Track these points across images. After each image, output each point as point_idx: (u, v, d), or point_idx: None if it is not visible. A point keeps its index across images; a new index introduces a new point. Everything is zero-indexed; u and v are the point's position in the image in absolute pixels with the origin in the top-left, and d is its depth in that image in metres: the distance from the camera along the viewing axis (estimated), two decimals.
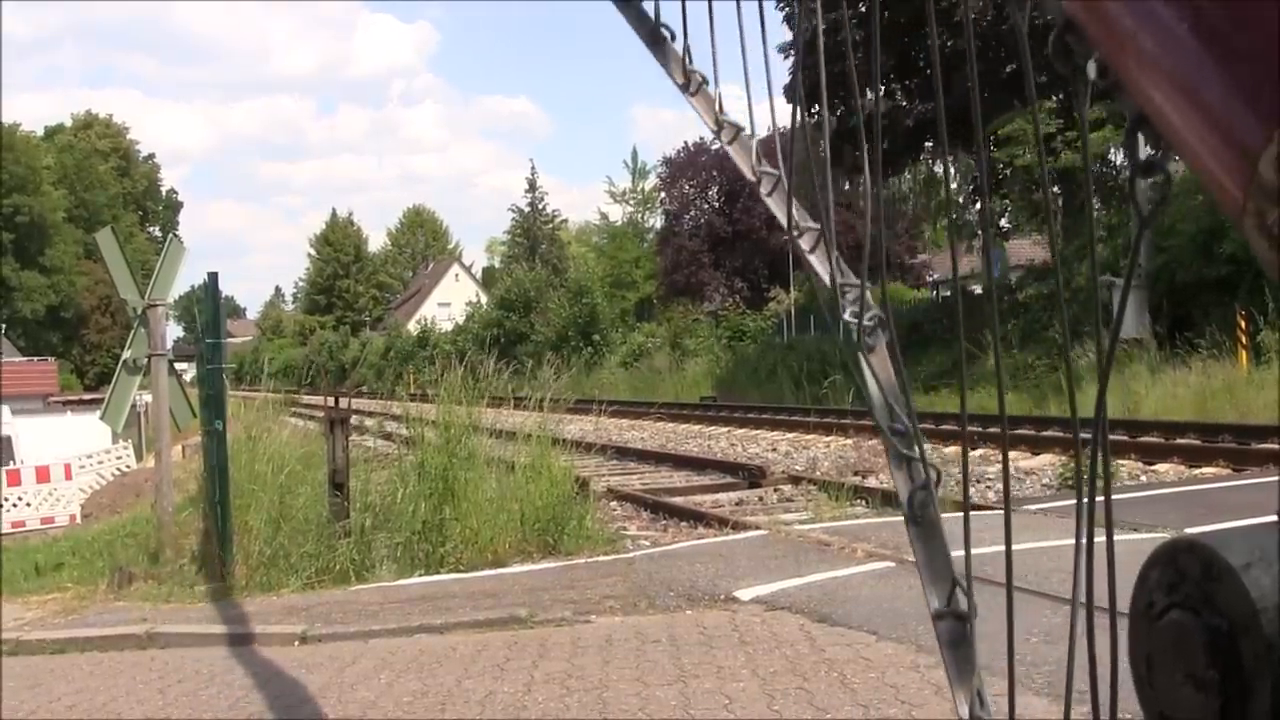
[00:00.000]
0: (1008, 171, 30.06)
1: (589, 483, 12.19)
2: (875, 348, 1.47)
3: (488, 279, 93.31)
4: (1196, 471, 13.25)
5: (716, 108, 1.93)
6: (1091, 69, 0.73)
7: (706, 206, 53.49)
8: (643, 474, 17.09)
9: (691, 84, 2.00)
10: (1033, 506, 10.30)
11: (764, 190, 1.80)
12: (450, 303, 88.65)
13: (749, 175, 1.80)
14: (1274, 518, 0.64)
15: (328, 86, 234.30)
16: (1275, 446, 13.38)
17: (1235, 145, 0.56)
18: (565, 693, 5.95)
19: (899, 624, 6.47)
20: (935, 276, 50.69)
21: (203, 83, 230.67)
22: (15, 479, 22.80)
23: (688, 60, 2.00)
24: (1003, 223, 36.64)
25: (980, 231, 38.18)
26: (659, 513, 12.82)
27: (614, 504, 13.41)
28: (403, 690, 6.27)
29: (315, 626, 7.77)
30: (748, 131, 1.90)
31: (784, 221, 1.72)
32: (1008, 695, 1.13)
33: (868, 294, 1.49)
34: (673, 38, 2.06)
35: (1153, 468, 13.86)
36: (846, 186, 41.54)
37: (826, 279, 1.57)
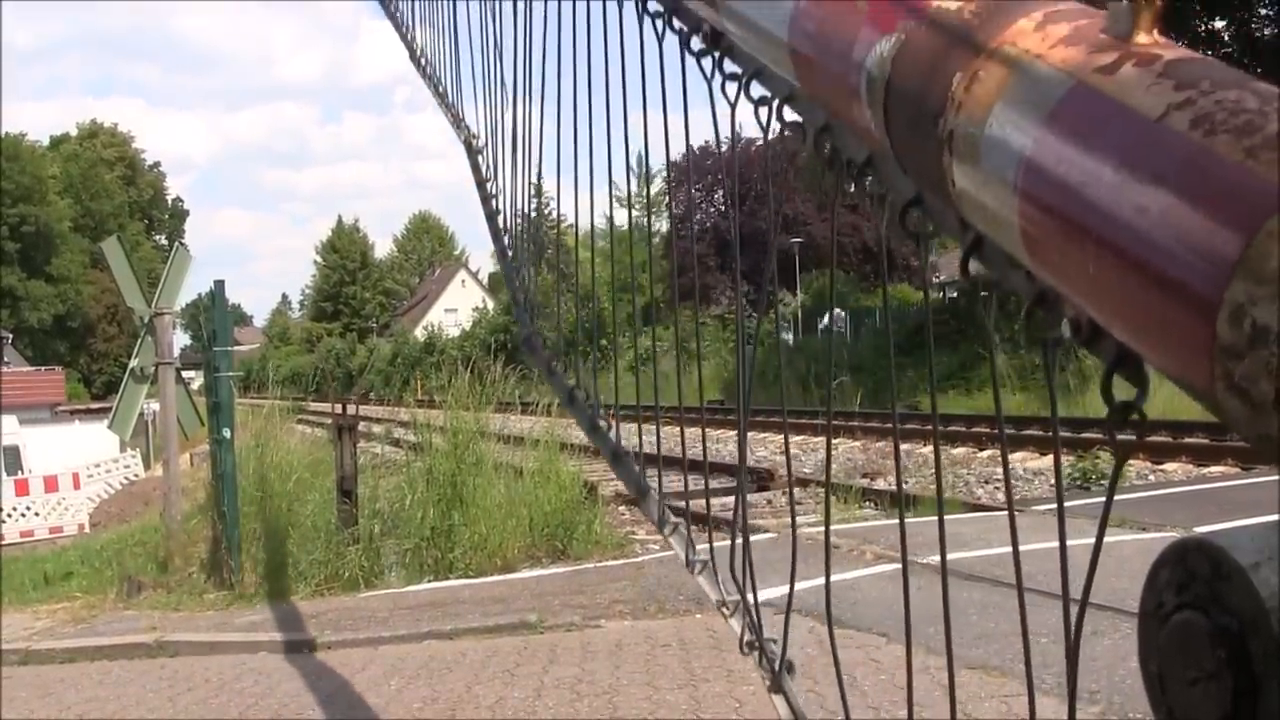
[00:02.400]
0: None
1: (597, 487, 12.17)
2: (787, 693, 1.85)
3: (494, 284, 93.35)
4: (1205, 470, 13.22)
5: (687, 547, 2.38)
6: (1066, 328, 0.81)
7: (713, 210, 53.44)
8: (651, 477, 17.06)
9: (665, 527, 2.51)
10: (1040, 507, 10.29)
11: (695, 572, 2.30)
12: (457, 308, 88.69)
13: (713, 596, 2.18)
14: None
15: (332, 93, 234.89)
16: None
17: (1195, 319, 0.61)
18: (575, 698, 5.95)
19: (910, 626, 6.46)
20: (942, 277, 50.64)
21: (206, 90, 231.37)
22: (23, 488, 22.83)
23: (664, 511, 2.52)
24: None
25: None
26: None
27: (622, 508, 13.40)
28: (413, 696, 6.27)
29: (324, 633, 7.77)
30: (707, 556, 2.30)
31: (713, 597, 2.15)
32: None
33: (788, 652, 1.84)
34: (627, 454, 2.63)
35: (1161, 467, 13.84)
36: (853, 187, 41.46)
37: (739, 630, 1.98)
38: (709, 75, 1.58)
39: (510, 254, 3.61)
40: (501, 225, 3.71)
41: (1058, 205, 0.72)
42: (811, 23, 1.05)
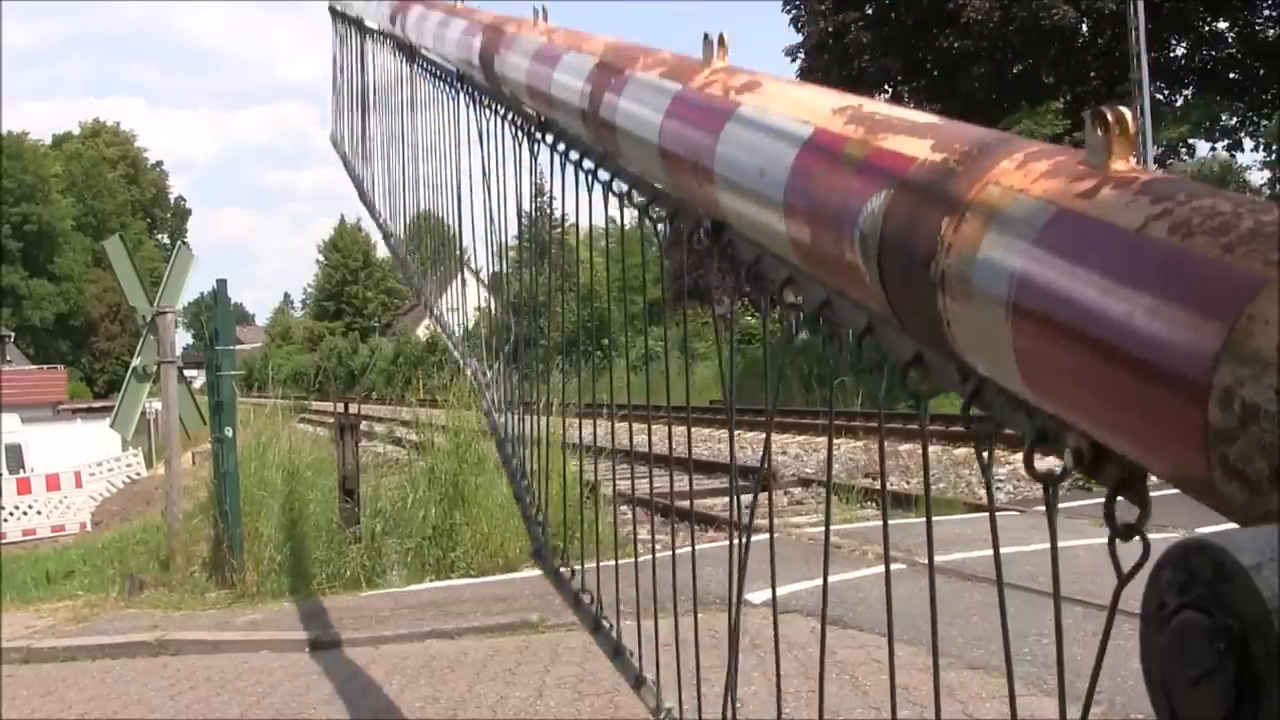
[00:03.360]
0: None
1: (598, 486, 12.16)
2: None
3: (495, 284, 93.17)
4: None
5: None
6: (1069, 458, 0.85)
7: None
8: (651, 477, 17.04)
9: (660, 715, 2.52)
10: (1041, 508, 10.28)
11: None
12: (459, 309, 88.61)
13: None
14: None
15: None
16: None
17: (1187, 408, 0.64)
18: (577, 697, 5.95)
19: (910, 626, 6.43)
20: None
21: (206, 90, 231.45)
22: (25, 487, 22.81)
23: (660, 701, 2.55)
24: None
25: None
26: (668, 516, 12.81)
27: (623, 507, 13.40)
28: (414, 696, 6.27)
29: (326, 632, 7.77)
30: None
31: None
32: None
33: None
34: (629, 653, 2.73)
35: None
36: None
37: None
38: (712, 269, 1.69)
39: (519, 475, 3.82)
40: (504, 438, 3.98)
41: (1050, 317, 0.76)
42: (805, 183, 1.09)
